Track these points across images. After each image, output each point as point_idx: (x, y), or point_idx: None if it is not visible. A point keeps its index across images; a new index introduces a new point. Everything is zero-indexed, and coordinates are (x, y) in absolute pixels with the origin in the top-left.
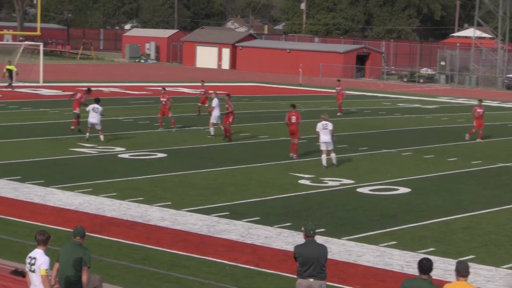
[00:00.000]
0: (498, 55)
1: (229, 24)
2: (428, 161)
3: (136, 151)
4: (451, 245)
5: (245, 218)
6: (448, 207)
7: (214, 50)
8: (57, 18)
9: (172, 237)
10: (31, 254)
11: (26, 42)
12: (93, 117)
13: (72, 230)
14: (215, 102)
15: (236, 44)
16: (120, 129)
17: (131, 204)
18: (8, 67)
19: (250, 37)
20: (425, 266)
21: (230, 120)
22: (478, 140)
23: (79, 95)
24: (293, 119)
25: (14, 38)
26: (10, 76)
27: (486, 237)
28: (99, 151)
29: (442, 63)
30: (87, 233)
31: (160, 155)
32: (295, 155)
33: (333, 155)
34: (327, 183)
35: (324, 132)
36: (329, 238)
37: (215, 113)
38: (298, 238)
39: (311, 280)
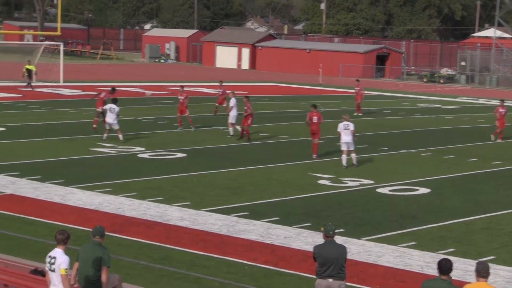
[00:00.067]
0: None
1: (249, 24)
2: (448, 161)
3: (155, 151)
4: (471, 246)
5: (264, 218)
6: (468, 208)
7: (234, 50)
8: (77, 18)
9: (191, 237)
10: (51, 254)
11: (47, 42)
12: (110, 117)
13: (91, 230)
14: (232, 101)
15: (256, 44)
16: (139, 129)
17: (150, 204)
18: (27, 66)
19: (270, 37)
20: (444, 267)
21: (249, 122)
22: (498, 140)
23: (103, 94)
24: (315, 119)
25: (35, 38)
26: (29, 76)
27: (506, 237)
28: (118, 151)
29: (463, 63)
30: (106, 233)
31: (179, 155)
32: (314, 155)
33: (353, 155)
34: (346, 183)
35: (345, 132)
36: (349, 239)
37: (233, 113)
38: (317, 238)
39: (330, 280)
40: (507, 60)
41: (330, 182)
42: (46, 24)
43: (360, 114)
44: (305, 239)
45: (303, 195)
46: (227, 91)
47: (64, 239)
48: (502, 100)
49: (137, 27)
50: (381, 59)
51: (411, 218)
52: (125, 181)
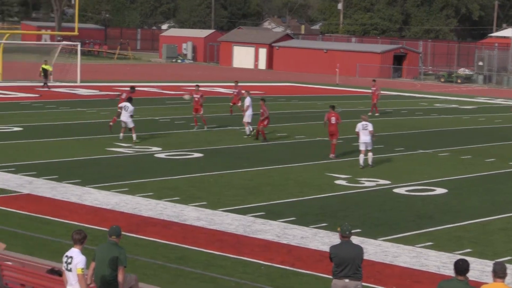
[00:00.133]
0: None
1: (266, 24)
2: (465, 161)
3: (172, 151)
4: (488, 246)
5: (281, 218)
6: (486, 208)
7: (251, 50)
8: (94, 18)
9: (208, 237)
10: (68, 253)
11: (64, 42)
12: (124, 116)
13: (108, 230)
14: (248, 101)
15: (273, 44)
16: (156, 129)
17: (167, 204)
18: (44, 66)
19: (287, 37)
20: (461, 267)
21: (265, 123)
22: None
23: (124, 95)
24: (333, 120)
25: (52, 38)
26: (45, 76)
27: None
28: (135, 150)
29: (480, 63)
30: (123, 233)
31: (196, 155)
32: (332, 155)
33: (370, 154)
34: (363, 183)
35: (364, 132)
36: (365, 239)
37: (249, 112)
38: (334, 238)
39: (347, 280)
40: None
41: (347, 182)
42: (64, 24)
43: (377, 114)
44: (322, 239)
45: (320, 195)
46: (242, 91)
47: (80, 238)
48: None
49: (154, 27)
50: (399, 59)
51: (428, 218)
52: (142, 181)
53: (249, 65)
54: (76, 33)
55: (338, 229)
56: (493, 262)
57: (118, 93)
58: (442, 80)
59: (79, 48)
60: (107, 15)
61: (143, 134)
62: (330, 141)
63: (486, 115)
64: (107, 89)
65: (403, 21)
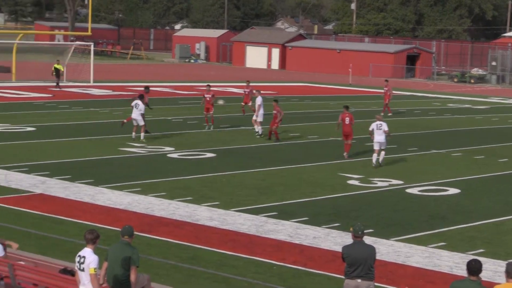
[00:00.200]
0: None
1: (279, 24)
2: (478, 161)
3: (185, 151)
4: (501, 247)
5: (294, 218)
6: (499, 208)
7: (263, 50)
8: (108, 18)
9: (220, 237)
10: (80, 253)
11: (77, 42)
12: (134, 113)
13: (120, 230)
14: (259, 100)
15: (286, 44)
16: (169, 129)
17: (179, 204)
18: (56, 66)
19: (300, 37)
20: (474, 268)
21: (277, 123)
22: None
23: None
24: (347, 120)
25: (65, 38)
26: (57, 75)
27: None
28: (148, 150)
29: (493, 63)
30: (136, 233)
31: (209, 155)
32: (346, 153)
33: (382, 153)
34: (376, 183)
35: (378, 132)
36: (378, 239)
37: (261, 111)
38: (346, 238)
39: (359, 280)
40: None
41: (359, 183)
42: (77, 24)
43: (390, 114)
44: (334, 240)
45: (333, 195)
46: (254, 91)
47: (93, 238)
48: None
49: (167, 27)
50: (412, 59)
51: (440, 218)
52: (155, 181)
53: (262, 65)
54: (89, 33)
55: (351, 229)
56: (506, 262)
57: (136, 93)
58: (455, 80)
59: (92, 48)
60: (120, 15)
61: (157, 134)
62: (344, 141)
63: (499, 115)
64: (120, 89)
65: (416, 21)
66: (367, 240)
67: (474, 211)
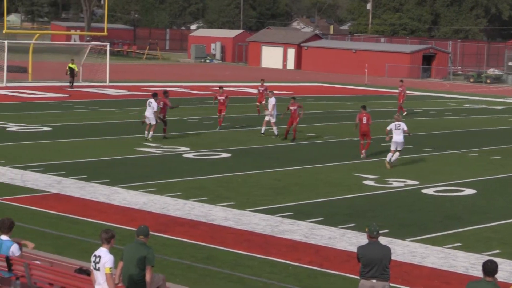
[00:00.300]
0: None
1: (294, 24)
2: (494, 162)
3: (200, 151)
4: None
5: (309, 219)
6: None
7: (279, 50)
8: (124, 19)
9: (235, 237)
10: (96, 253)
11: (93, 42)
12: (147, 111)
13: (136, 229)
14: (272, 100)
15: (301, 44)
16: (184, 129)
17: (195, 204)
18: (70, 65)
19: (316, 37)
20: (490, 268)
21: (297, 117)
22: None
23: (162, 103)
24: (364, 120)
25: (82, 38)
26: (71, 75)
27: None
28: (163, 150)
29: (510, 63)
30: (151, 232)
31: (224, 155)
32: (363, 151)
33: (397, 154)
34: (391, 184)
35: (397, 132)
36: (393, 239)
37: (274, 112)
38: (362, 239)
39: (374, 281)
40: None
41: (375, 183)
42: (93, 25)
43: (404, 113)
44: (350, 240)
45: (348, 195)
46: (268, 91)
47: (108, 238)
48: None
49: (183, 28)
50: (428, 59)
51: (456, 219)
52: (170, 181)
53: (278, 65)
54: (105, 33)
55: (366, 229)
56: None
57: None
58: (472, 80)
59: (108, 48)
60: (136, 16)
61: (172, 134)
62: (361, 140)
63: None
64: (136, 89)
65: (432, 21)
66: (383, 240)
67: (490, 212)
